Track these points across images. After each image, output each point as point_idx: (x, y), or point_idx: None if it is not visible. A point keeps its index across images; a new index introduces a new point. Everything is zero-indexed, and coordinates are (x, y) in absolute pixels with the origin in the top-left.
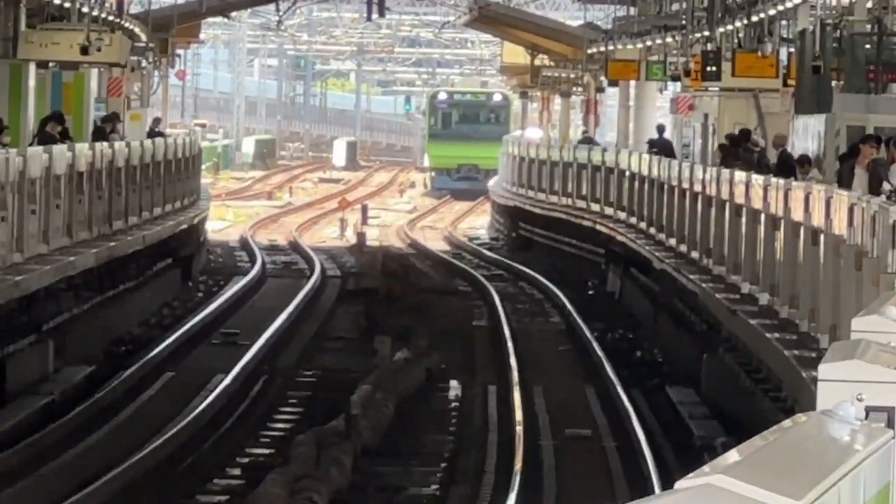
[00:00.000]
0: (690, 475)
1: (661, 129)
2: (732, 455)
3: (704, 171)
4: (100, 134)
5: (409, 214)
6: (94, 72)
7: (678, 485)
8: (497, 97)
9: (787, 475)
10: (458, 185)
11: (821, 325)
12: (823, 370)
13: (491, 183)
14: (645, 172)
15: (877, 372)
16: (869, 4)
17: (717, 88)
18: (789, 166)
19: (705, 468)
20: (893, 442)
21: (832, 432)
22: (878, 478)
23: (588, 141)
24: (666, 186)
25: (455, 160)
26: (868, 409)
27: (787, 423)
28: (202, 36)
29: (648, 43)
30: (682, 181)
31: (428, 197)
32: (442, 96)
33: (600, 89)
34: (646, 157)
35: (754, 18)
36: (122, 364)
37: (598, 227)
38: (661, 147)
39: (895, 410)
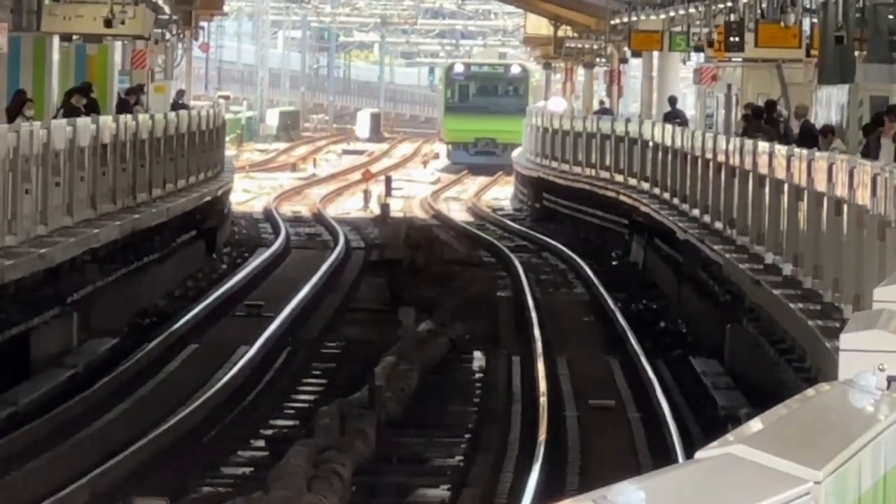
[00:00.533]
0: (710, 445)
1: (672, 100)
2: (753, 425)
3: (727, 142)
4: (124, 106)
5: (432, 186)
6: (118, 44)
7: (698, 454)
8: (515, 69)
9: (807, 445)
10: (476, 159)
11: (844, 295)
12: (845, 340)
13: (515, 154)
14: (668, 143)
15: None
16: None
17: (740, 59)
18: (812, 136)
19: (726, 438)
20: None
21: (853, 402)
22: None
23: (605, 112)
24: (689, 157)
25: (472, 134)
26: (890, 379)
27: (808, 392)
28: (226, 8)
29: (671, 13)
30: (705, 151)
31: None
32: (458, 68)
33: (623, 60)
34: (668, 127)
35: None
36: (146, 336)
37: (622, 197)
38: (673, 118)
39: None
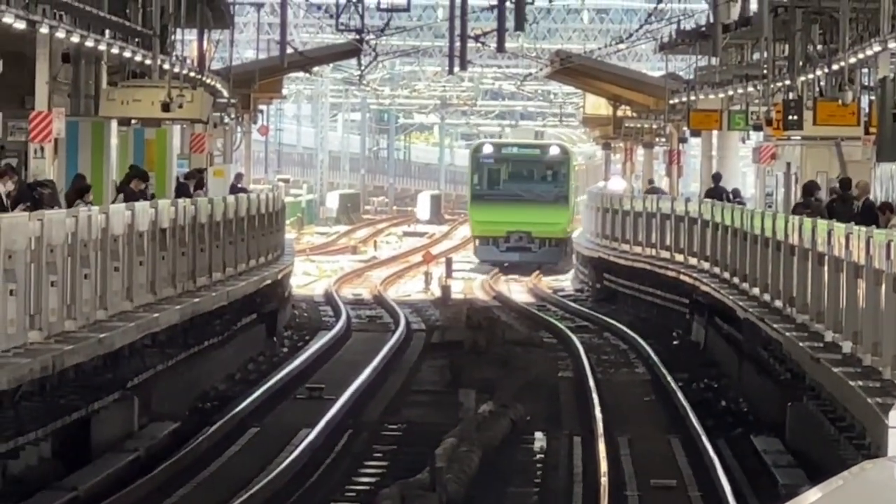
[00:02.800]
0: None
1: (716, 177)
2: (799, 501)
3: (786, 221)
4: (182, 190)
5: (493, 267)
6: (177, 128)
7: None
8: (554, 150)
9: None
10: (507, 256)
11: None
12: (894, 417)
13: (575, 234)
14: (727, 222)
15: None
16: None
17: (798, 137)
18: (873, 214)
19: None
20: None
21: None
22: None
23: (654, 191)
24: (748, 236)
25: (503, 227)
26: None
27: (854, 469)
28: (284, 91)
29: (730, 92)
30: (764, 230)
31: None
32: (487, 149)
33: (683, 139)
34: (727, 206)
35: (835, 67)
36: (207, 420)
37: (682, 276)
38: (716, 195)
39: None
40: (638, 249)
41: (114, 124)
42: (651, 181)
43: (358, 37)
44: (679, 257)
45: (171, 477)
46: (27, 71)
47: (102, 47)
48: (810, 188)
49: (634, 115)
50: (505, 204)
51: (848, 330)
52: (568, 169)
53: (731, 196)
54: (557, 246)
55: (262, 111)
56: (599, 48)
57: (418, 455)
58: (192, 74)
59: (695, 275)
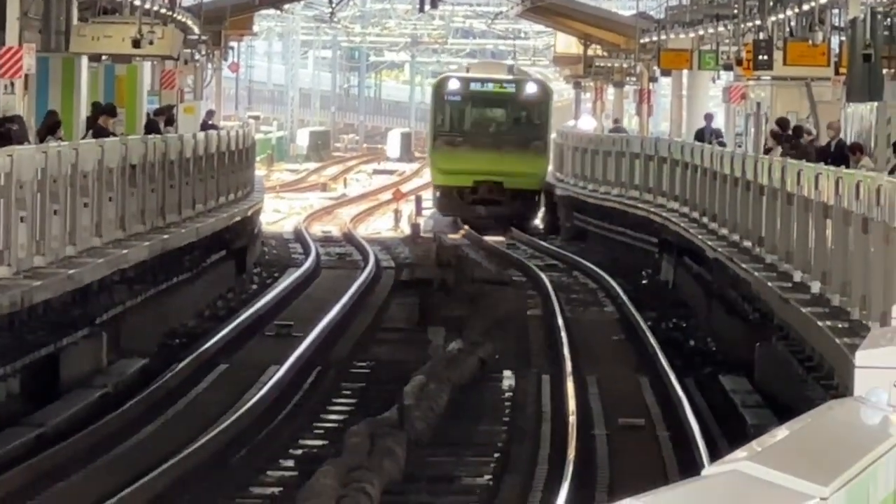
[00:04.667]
0: (718, 461)
1: (707, 117)
2: (762, 441)
3: (756, 160)
4: (152, 127)
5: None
6: (147, 65)
7: (705, 471)
8: (531, 87)
9: (815, 462)
10: (474, 209)
11: (872, 313)
12: (861, 357)
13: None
14: (697, 162)
15: None
16: None
17: (768, 77)
18: (843, 154)
19: (734, 454)
20: None
21: (864, 419)
22: None
23: (619, 130)
24: (718, 175)
25: (469, 176)
26: None
27: (819, 409)
28: (255, 28)
29: (700, 32)
30: (733, 170)
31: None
32: (452, 85)
33: (653, 79)
34: (697, 146)
35: (805, 7)
36: (176, 356)
37: (652, 216)
38: (708, 136)
39: None
40: (608, 189)
41: (84, 60)
42: (616, 121)
43: None
44: (648, 197)
45: (139, 413)
46: None
47: None
48: (795, 131)
49: (605, 54)
50: (472, 149)
51: (817, 270)
52: (547, 109)
53: (714, 137)
54: (533, 199)
55: (232, 48)
56: None
57: (387, 393)
58: (162, 11)
59: (664, 214)
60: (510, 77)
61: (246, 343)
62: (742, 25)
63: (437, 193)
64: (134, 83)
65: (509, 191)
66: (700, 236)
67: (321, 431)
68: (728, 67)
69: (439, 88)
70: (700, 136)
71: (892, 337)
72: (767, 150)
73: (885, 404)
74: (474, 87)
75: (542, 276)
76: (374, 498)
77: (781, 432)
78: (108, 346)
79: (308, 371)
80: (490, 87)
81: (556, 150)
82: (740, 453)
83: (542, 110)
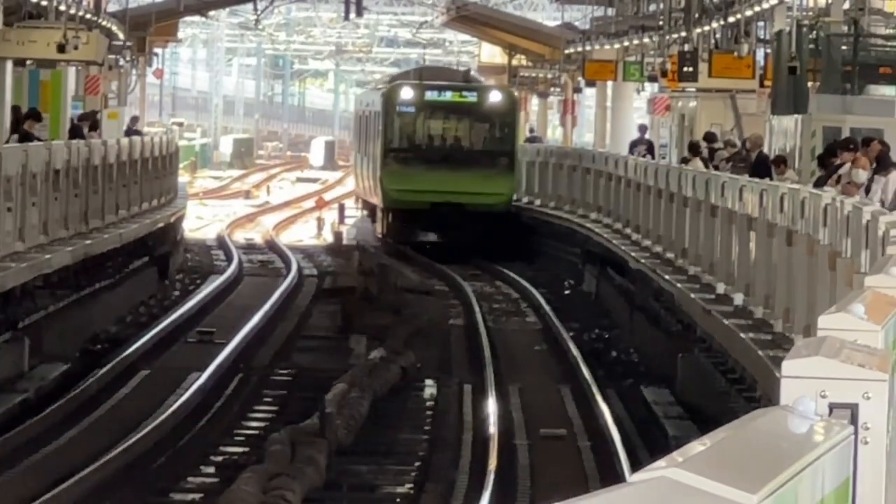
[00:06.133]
0: (645, 468)
1: (642, 128)
2: (689, 448)
3: (679, 172)
4: (76, 132)
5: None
6: (72, 70)
7: (632, 478)
8: (495, 95)
9: (743, 469)
10: (430, 236)
11: (795, 325)
12: (787, 367)
13: None
14: (620, 173)
15: (840, 368)
16: (846, 6)
17: (693, 89)
18: (766, 167)
19: (660, 461)
20: (853, 438)
21: (791, 427)
22: (837, 473)
23: (534, 140)
24: (641, 187)
25: (426, 196)
26: (832, 406)
27: (746, 417)
28: (180, 35)
29: (626, 43)
30: (657, 181)
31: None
32: (406, 94)
33: (578, 90)
34: (621, 157)
35: (731, 19)
36: (97, 362)
37: (575, 227)
38: (645, 148)
39: (858, 407)
40: (530, 199)
41: (9, 65)
42: (532, 130)
43: None
44: (571, 207)
45: (60, 419)
46: None
47: None
48: (710, 138)
49: (530, 64)
50: (429, 167)
51: (740, 282)
52: (513, 120)
53: (646, 148)
54: (498, 222)
55: (157, 54)
56: None
57: (308, 400)
58: (88, 16)
59: (588, 225)
60: (472, 84)
61: (168, 349)
62: (667, 37)
63: (389, 218)
64: (59, 88)
65: (471, 214)
66: (623, 247)
67: (242, 438)
68: (653, 79)
69: (390, 98)
70: (633, 147)
71: (819, 347)
72: (684, 161)
73: (811, 413)
74: (430, 95)
75: (465, 285)
76: None
77: (708, 440)
78: (30, 350)
79: (230, 378)
80: (448, 95)
81: None
82: (667, 460)
83: (508, 121)
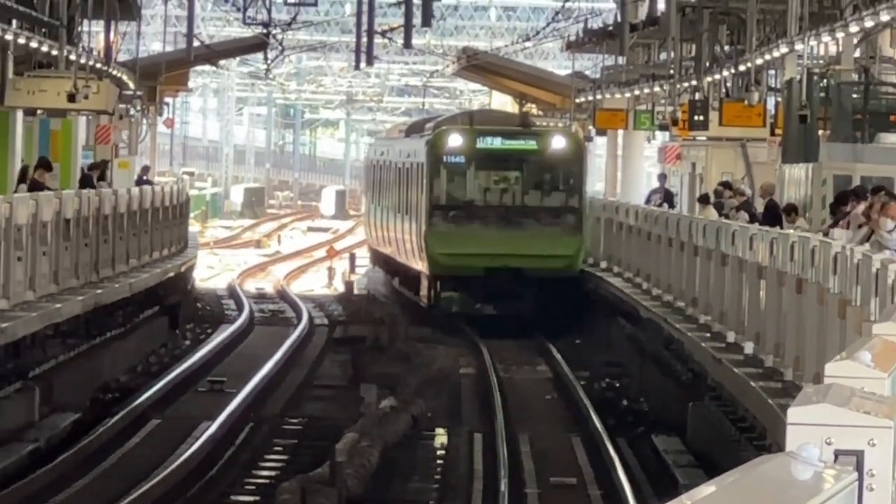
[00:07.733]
0: None
1: (661, 177)
2: (693, 494)
3: (690, 221)
4: (86, 181)
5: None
6: (82, 119)
7: None
8: (559, 142)
9: None
10: (486, 306)
11: (805, 374)
12: (792, 414)
13: None
14: (631, 222)
15: (845, 416)
16: (856, 54)
17: (704, 137)
18: (776, 215)
19: None
20: (857, 484)
21: (795, 473)
22: None
23: None
24: (652, 236)
25: (480, 261)
26: (837, 453)
27: (750, 464)
28: (190, 84)
29: (636, 92)
30: (667, 230)
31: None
32: (454, 141)
33: (588, 138)
34: (632, 206)
35: (741, 68)
36: (108, 411)
37: (585, 276)
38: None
39: (864, 454)
40: None
41: (19, 114)
42: None
43: (265, 31)
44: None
45: (71, 468)
46: None
47: (9, 37)
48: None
49: (540, 113)
50: (483, 226)
51: (750, 331)
52: (580, 169)
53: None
54: (566, 289)
55: (167, 104)
56: (506, 45)
57: (319, 450)
58: (98, 66)
59: (598, 273)
60: (531, 129)
61: (178, 398)
62: (678, 86)
63: (436, 287)
64: (69, 137)
65: (533, 280)
66: (634, 296)
67: (253, 487)
68: (663, 127)
69: (435, 146)
70: (650, 196)
71: (825, 394)
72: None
73: (815, 460)
74: (483, 143)
75: (474, 335)
76: None
77: (713, 486)
78: (41, 400)
79: (240, 427)
80: (504, 142)
81: None
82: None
83: (575, 171)
